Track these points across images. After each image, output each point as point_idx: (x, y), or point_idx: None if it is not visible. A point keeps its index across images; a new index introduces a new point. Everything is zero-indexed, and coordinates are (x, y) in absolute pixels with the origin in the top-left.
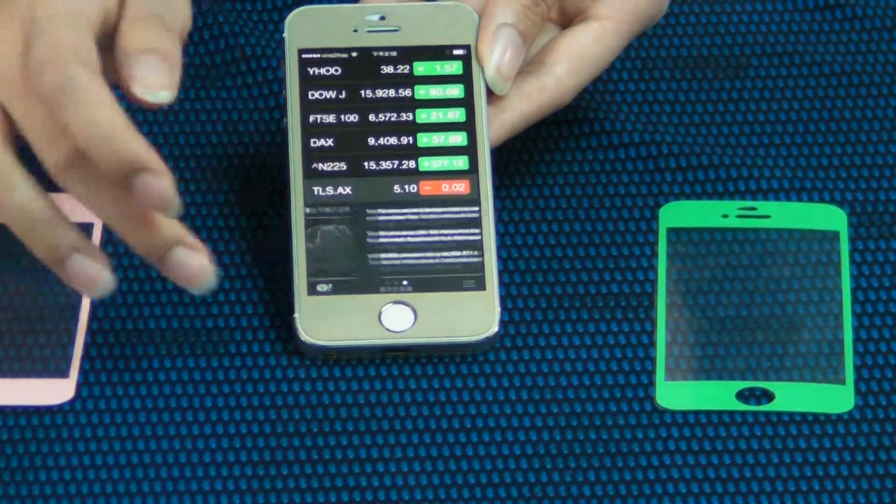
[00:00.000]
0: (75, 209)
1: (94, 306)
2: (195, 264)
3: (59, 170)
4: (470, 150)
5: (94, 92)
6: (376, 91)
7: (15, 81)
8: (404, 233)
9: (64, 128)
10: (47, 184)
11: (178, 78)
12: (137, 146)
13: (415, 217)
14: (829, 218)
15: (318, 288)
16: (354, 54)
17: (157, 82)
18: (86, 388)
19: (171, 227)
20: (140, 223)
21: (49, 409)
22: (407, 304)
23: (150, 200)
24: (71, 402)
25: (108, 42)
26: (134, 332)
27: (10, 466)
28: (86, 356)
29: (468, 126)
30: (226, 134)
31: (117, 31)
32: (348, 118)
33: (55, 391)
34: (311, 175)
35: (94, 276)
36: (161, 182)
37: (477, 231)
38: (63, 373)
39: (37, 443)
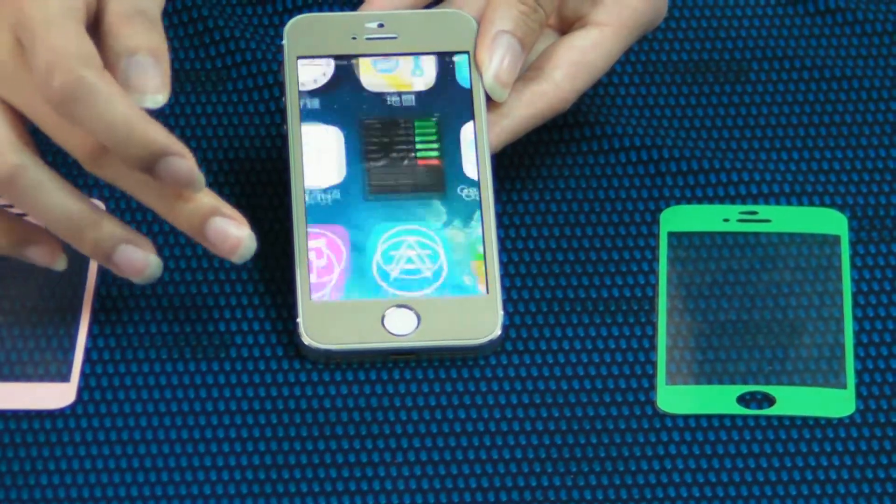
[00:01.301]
0: None
1: (96, 310)
2: (233, 233)
3: (87, 161)
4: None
5: (105, 90)
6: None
7: (14, 81)
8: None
9: (81, 128)
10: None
11: (168, 74)
12: (154, 134)
13: None
14: (830, 222)
15: (321, 292)
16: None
17: (152, 85)
18: (87, 392)
19: (208, 198)
20: (175, 199)
21: (50, 413)
22: (410, 308)
23: (177, 182)
24: (72, 407)
25: (93, 27)
26: (135, 336)
27: (12, 470)
28: (87, 360)
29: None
30: (226, 139)
31: (103, 25)
32: None
33: (56, 395)
34: (311, 180)
35: (142, 265)
36: (183, 163)
37: (480, 236)
38: (64, 377)
39: (38, 447)
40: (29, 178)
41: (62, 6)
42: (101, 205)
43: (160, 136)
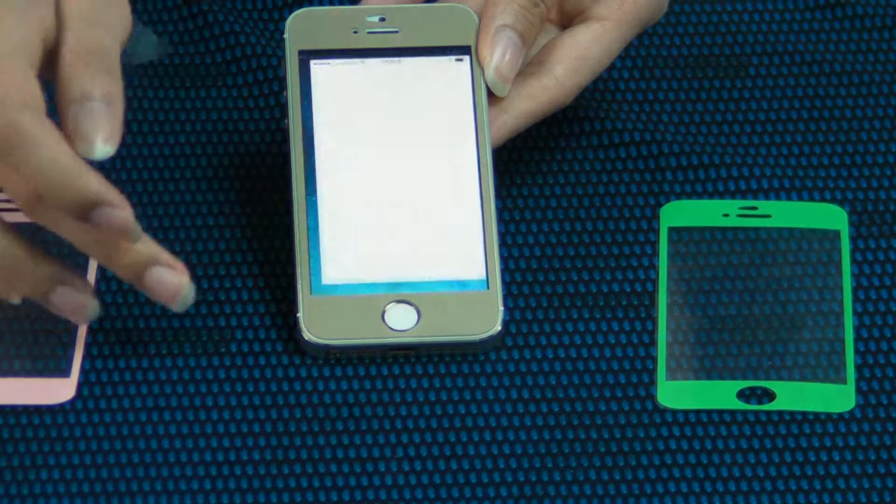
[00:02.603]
0: None
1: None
2: (172, 282)
3: (25, 206)
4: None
5: (41, 136)
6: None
7: None
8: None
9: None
10: None
11: (121, 121)
12: (88, 182)
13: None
14: (830, 217)
15: (322, 287)
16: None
17: (102, 135)
18: (87, 388)
19: (146, 247)
20: (114, 248)
21: (50, 409)
22: (410, 303)
23: (111, 232)
24: (72, 402)
25: (50, 61)
26: (135, 331)
27: (11, 465)
28: (87, 355)
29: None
30: (226, 133)
31: (58, 61)
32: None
33: (56, 390)
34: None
35: (80, 305)
36: (118, 213)
37: (480, 231)
38: (64, 372)
39: (38, 442)
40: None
41: (14, 43)
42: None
43: (94, 185)
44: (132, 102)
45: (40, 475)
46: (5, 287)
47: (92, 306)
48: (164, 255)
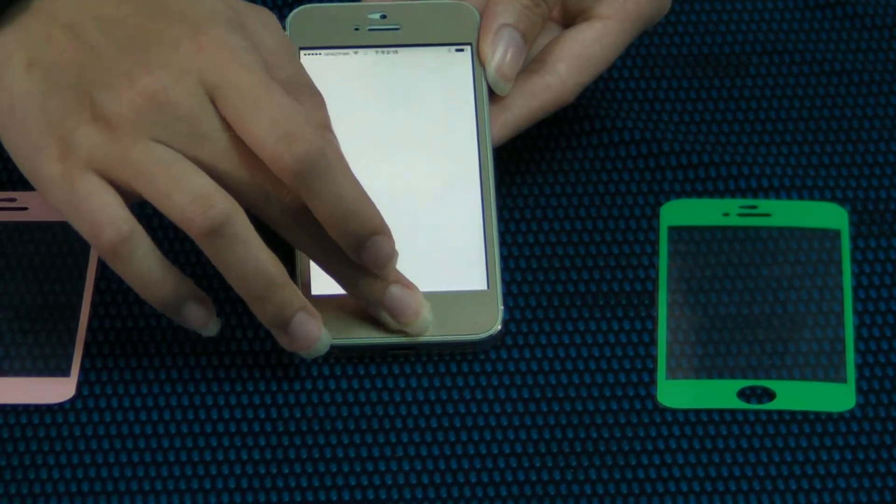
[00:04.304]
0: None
1: (95, 305)
2: (411, 303)
3: (283, 225)
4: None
5: (340, 165)
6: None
7: (202, 136)
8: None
9: (306, 198)
10: None
11: None
12: (375, 211)
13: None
14: (831, 216)
15: (320, 286)
16: (355, 52)
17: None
18: (87, 387)
19: (383, 281)
20: (358, 275)
21: (50, 408)
22: None
23: (378, 261)
24: (72, 401)
25: None
26: (135, 330)
27: (11, 465)
28: (87, 355)
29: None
30: None
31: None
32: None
33: (56, 390)
34: None
35: (315, 337)
36: (389, 244)
37: (481, 231)
38: (64, 371)
39: (38, 441)
40: (239, 224)
41: (265, 75)
42: None
43: (378, 214)
44: None
45: (40, 475)
46: (253, 303)
47: (323, 341)
48: (403, 277)
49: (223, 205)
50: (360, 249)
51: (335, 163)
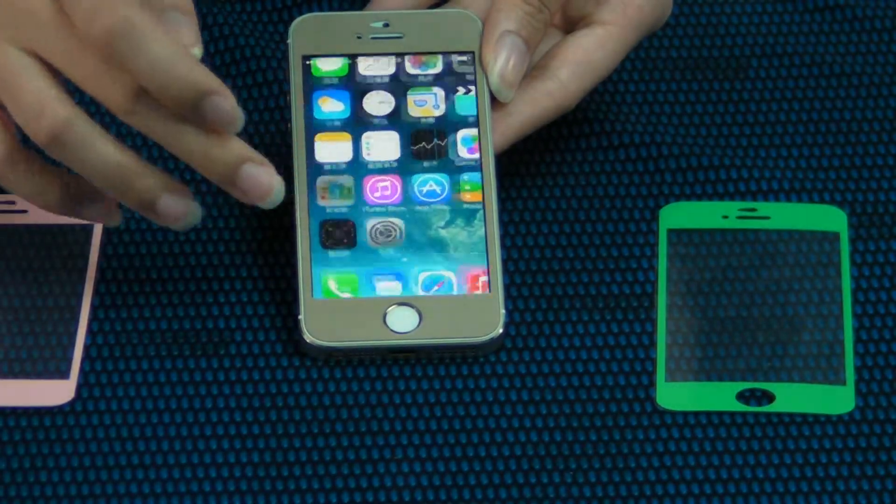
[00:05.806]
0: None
1: (95, 308)
2: (265, 178)
3: (123, 108)
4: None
5: (150, 29)
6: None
7: (48, 31)
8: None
9: (122, 69)
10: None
11: (198, 33)
12: (200, 73)
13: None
14: (830, 219)
15: (323, 289)
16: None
17: (187, 40)
18: (86, 389)
19: (238, 146)
20: (208, 148)
21: (49, 410)
22: (412, 306)
23: (220, 120)
24: (71, 403)
25: None
26: (134, 332)
27: (11, 467)
28: (86, 357)
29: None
30: None
31: None
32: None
33: (56, 392)
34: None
35: (183, 212)
36: (227, 102)
37: (482, 235)
38: (63, 374)
39: (37, 444)
40: (79, 130)
41: None
42: None
43: (204, 75)
44: None
45: (40, 477)
46: (118, 196)
47: (193, 212)
48: (256, 154)
49: (57, 113)
50: (197, 113)
51: (144, 30)
